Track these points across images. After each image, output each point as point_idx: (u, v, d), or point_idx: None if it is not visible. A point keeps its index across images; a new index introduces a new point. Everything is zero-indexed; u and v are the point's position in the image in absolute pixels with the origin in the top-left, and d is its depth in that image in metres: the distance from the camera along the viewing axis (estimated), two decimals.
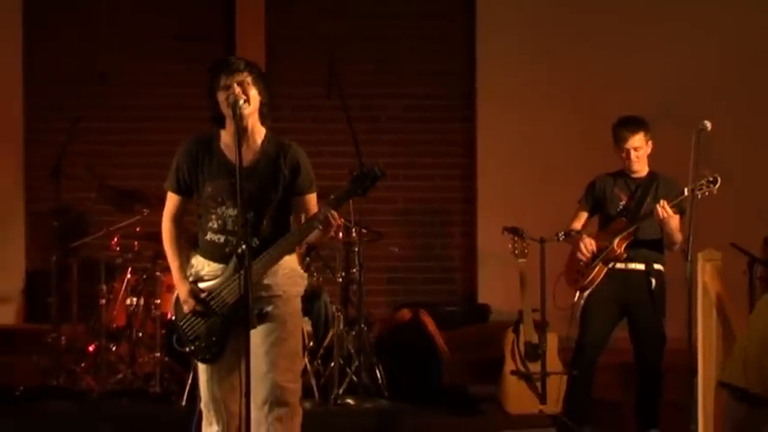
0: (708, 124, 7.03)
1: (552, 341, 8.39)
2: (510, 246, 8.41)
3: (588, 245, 7.92)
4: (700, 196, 7.32)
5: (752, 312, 3.89)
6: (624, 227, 7.80)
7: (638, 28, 10.53)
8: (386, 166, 5.95)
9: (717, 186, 7.32)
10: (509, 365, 8.42)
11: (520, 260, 8.36)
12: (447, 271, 10.99)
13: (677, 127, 7.67)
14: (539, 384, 8.29)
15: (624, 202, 7.92)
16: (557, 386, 8.23)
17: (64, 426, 7.89)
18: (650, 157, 7.92)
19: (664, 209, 7.57)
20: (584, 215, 8.12)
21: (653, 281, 7.83)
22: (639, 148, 7.84)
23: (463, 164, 10.93)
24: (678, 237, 7.73)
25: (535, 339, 8.37)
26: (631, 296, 7.86)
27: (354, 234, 8.64)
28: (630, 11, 10.55)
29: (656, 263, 7.86)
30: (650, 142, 7.88)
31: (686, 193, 7.35)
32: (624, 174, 7.96)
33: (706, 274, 6.23)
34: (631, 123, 7.85)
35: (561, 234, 8.05)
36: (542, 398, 8.26)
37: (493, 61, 10.72)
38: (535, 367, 8.34)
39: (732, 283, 6.61)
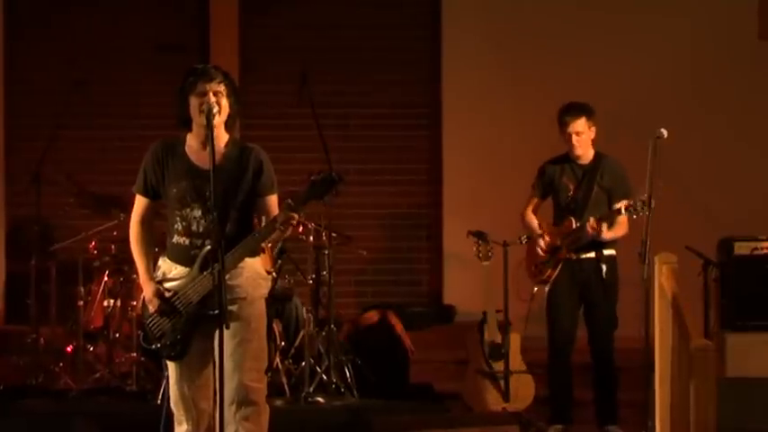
0: (664, 132, 6.97)
1: (515, 341, 8.43)
2: (474, 249, 8.46)
3: (543, 244, 7.90)
4: (635, 217, 7.31)
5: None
6: (572, 231, 7.75)
7: (598, 39, 10.51)
8: (355, 172, 5.93)
9: (649, 209, 7.05)
10: (473, 364, 8.42)
11: (484, 263, 8.40)
12: (414, 273, 10.95)
13: (634, 134, 7.62)
14: (502, 383, 8.31)
15: (572, 192, 7.88)
16: (520, 384, 8.24)
17: (43, 423, 7.81)
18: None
19: (593, 227, 7.58)
20: (535, 201, 8.11)
21: (604, 267, 7.78)
22: (581, 133, 7.80)
23: (429, 170, 10.90)
24: (618, 234, 7.72)
25: (498, 339, 8.39)
26: (585, 282, 7.84)
27: (324, 238, 8.62)
28: (590, 22, 10.54)
29: (606, 249, 7.80)
30: (593, 128, 7.84)
31: (622, 210, 7.35)
32: (570, 159, 7.92)
33: (662, 276, 6.28)
34: (574, 109, 7.85)
35: (524, 238, 8.08)
36: (505, 396, 8.30)
37: (457, 71, 10.70)
38: (498, 366, 8.35)
39: (687, 284, 6.60)
